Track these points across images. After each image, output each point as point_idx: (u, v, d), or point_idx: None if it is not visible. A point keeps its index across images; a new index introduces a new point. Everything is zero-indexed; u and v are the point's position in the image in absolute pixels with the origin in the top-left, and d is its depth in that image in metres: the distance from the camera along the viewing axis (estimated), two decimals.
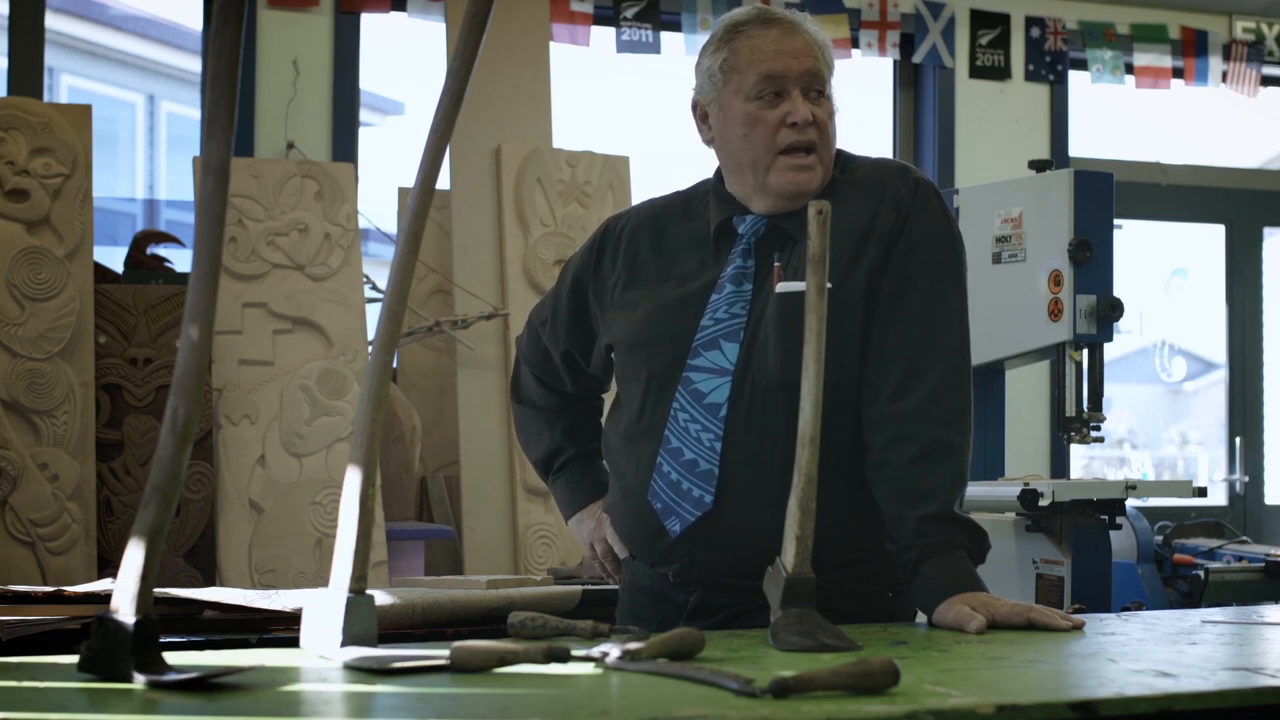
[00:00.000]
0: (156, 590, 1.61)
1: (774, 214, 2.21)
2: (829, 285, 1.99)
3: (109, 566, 3.67)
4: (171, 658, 1.56)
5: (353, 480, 1.74)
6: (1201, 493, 3.98)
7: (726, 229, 2.24)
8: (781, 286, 2.15)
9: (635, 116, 5.71)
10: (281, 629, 2.47)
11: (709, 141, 2.27)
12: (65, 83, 6.32)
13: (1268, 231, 6.30)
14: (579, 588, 2.92)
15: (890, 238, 2.17)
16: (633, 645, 1.66)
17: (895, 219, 2.17)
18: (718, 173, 2.30)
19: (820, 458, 1.85)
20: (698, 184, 2.35)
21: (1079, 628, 1.98)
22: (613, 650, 1.65)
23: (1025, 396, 5.25)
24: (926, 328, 2.16)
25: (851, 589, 2.14)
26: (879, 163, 2.29)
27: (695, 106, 2.28)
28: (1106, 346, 4.00)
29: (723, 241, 2.24)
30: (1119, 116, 6.14)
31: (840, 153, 2.28)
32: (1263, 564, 4.51)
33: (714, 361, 2.16)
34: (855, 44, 5.41)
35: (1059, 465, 5.49)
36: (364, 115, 5.00)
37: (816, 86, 2.18)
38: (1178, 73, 5.87)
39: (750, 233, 2.22)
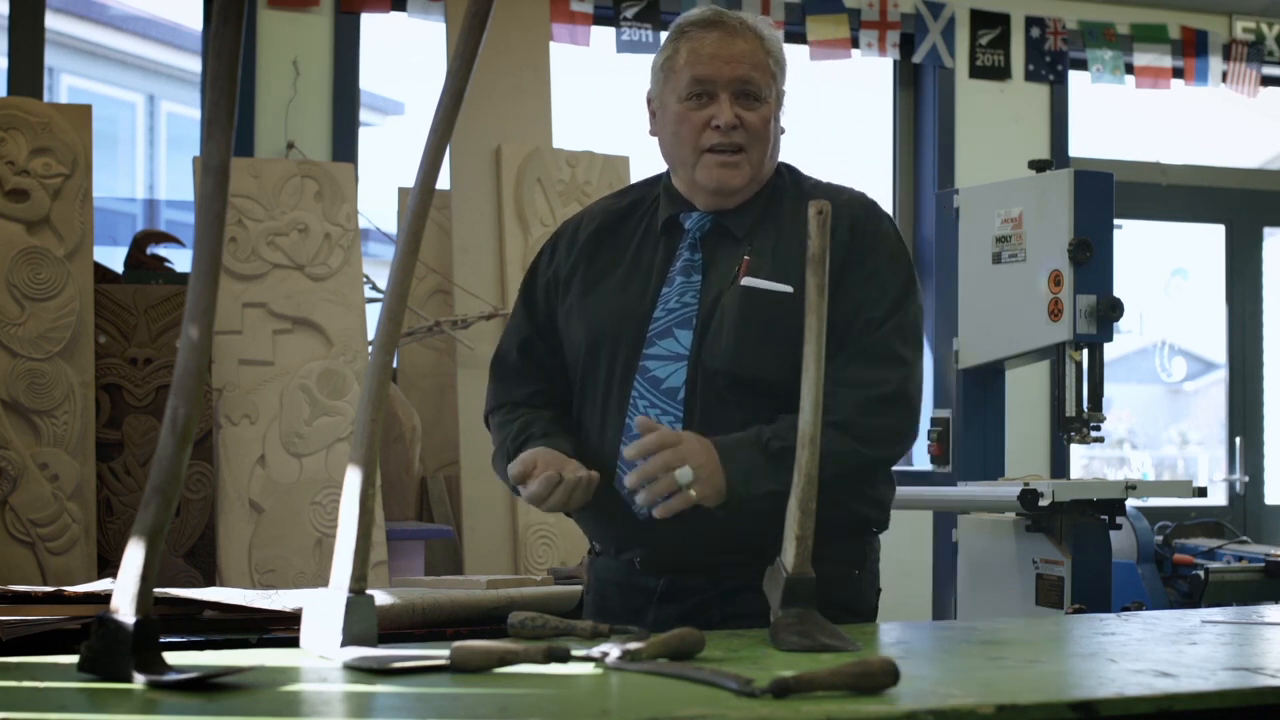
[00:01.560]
0: (156, 590, 1.61)
1: (717, 210, 2.29)
2: (789, 289, 2.15)
3: (109, 566, 3.67)
4: (171, 658, 1.56)
5: (353, 480, 1.74)
6: (1201, 493, 3.98)
7: (674, 224, 2.31)
8: (747, 281, 2.22)
9: (635, 116, 5.70)
10: (281, 629, 2.47)
11: (654, 134, 2.35)
12: (65, 83, 6.31)
13: (1268, 231, 6.30)
14: (579, 588, 2.92)
15: (841, 261, 2.19)
16: (633, 645, 1.66)
17: (848, 241, 2.22)
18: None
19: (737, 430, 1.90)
20: (650, 179, 2.42)
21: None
22: (613, 650, 1.65)
23: (1025, 396, 5.25)
24: (875, 329, 2.21)
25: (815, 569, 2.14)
26: (832, 185, 2.36)
27: (648, 101, 2.36)
28: (1106, 346, 4.00)
29: (672, 236, 2.31)
30: (1119, 116, 6.14)
31: (791, 168, 2.37)
32: (1263, 564, 4.51)
33: (668, 349, 2.22)
34: (855, 44, 5.40)
35: (1059, 465, 5.49)
36: (364, 115, 5.00)
37: (749, 91, 2.24)
38: (1178, 73, 5.87)
39: (696, 228, 2.29)
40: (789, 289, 2.18)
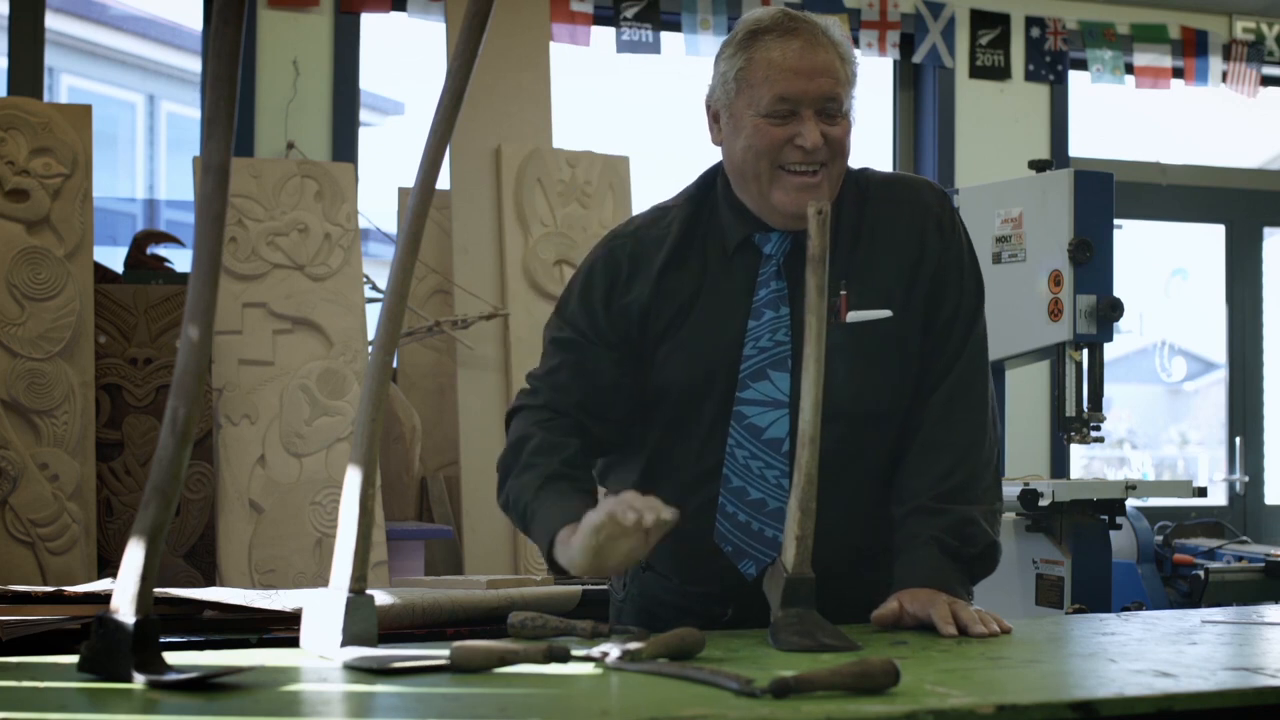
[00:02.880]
0: (156, 590, 1.61)
1: (796, 230, 2.13)
2: (889, 313, 2.09)
3: (109, 566, 3.67)
4: (171, 658, 1.56)
5: (353, 480, 1.74)
6: (1201, 493, 3.98)
7: (749, 247, 2.17)
8: (853, 316, 2.11)
9: (635, 116, 5.71)
10: (281, 629, 2.47)
11: (718, 143, 2.20)
12: (65, 83, 6.31)
13: (1268, 231, 6.30)
14: (579, 588, 2.93)
15: (938, 261, 2.19)
16: (633, 645, 1.66)
17: (940, 241, 2.19)
18: (724, 176, 2.21)
19: (863, 469, 1.92)
20: (703, 184, 2.24)
21: (987, 635, 1.95)
22: (613, 650, 1.65)
23: (1025, 396, 5.25)
24: (955, 344, 2.21)
25: (871, 578, 2.15)
26: (899, 177, 2.28)
27: (709, 106, 2.19)
28: (1106, 346, 4.00)
29: (749, 260, 2.16)
30: (1119, 116, 6.14)
31: (848, 167, 2.24)
32: (1263, 564, 4.51)
33: (765, 393, 2.11)
34: (855, 44, 5.40)
35: (1059, 465, 5.49)
36: (364, 115, 5.00)
37: (831, 107, 2.12)
38: (1178, 73, 5.87)
39: (779, 252, 2.15)
40: (888, 313, 2.12)
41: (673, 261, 2.17)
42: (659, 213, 2.24)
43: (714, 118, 2.19)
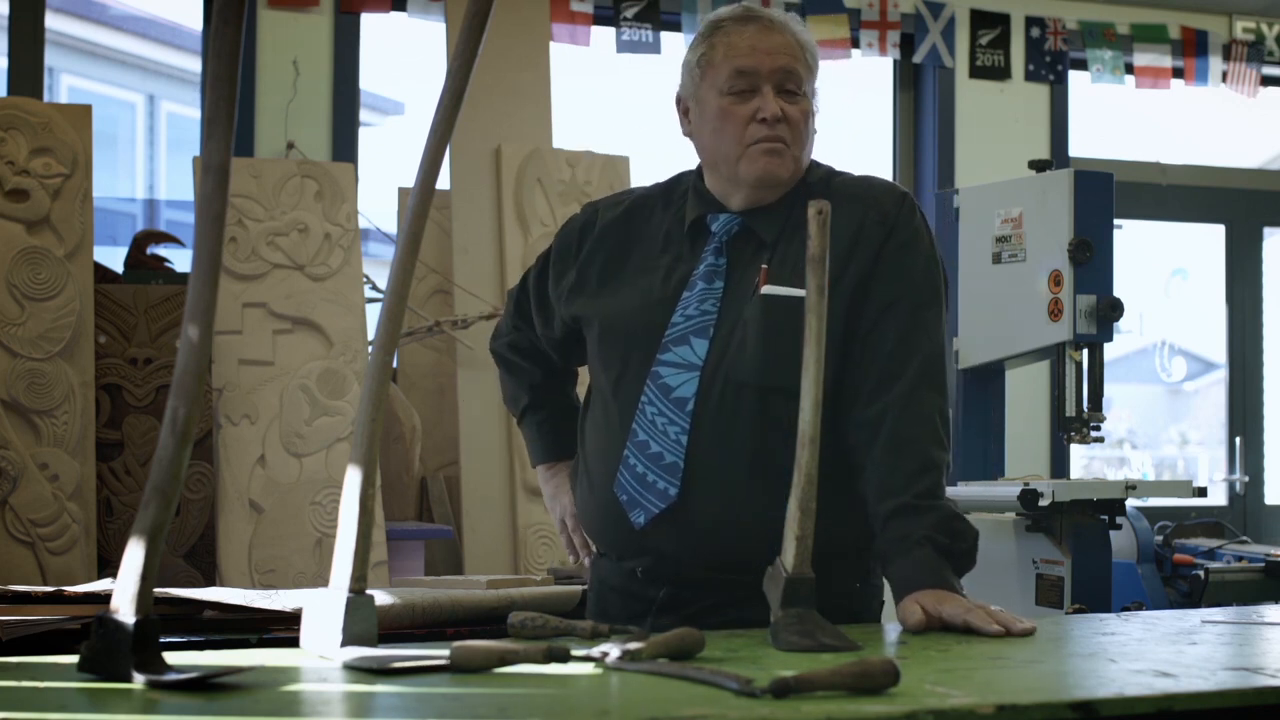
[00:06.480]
0: (156, 590, 1.61)
1: (747, 211, 2.24)
2: (804, 293, 2.05)
3: (109, 566, 3.67)
4: (171, 658, 1.56)
5: (353, 480, 1.74)
6: (1201, 493, 3.98)
7: (700, 225, 2.27)
8: (767, 289, 2.18)
9: (635, 116, 5.71)
10: (281, 629, 2.47)
11: (688, 134, 2.31)
12: (65, 83, 6.32)
13: (1268, 231, 6.30)
14: (579, 588, 2.92)
15: (875, 251, 2.19)
16: (633, 645, 1.66)
17: (880, 233, 2.20)
18: (700, 167, 2.33)
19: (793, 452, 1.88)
20: (680, 175, 2.37)
21: (1028, 633, 1.94)
22: (613, 650, 1.65)
23: (1025, 396, 5.25)
24: (904, 339, 2.18)
25: (822, 584, 2.13)
26: (865, 178, 2.33)
27: (679, 101, 2.31)
28: (1106, 346, 4.00)
29: (697, 238, 2.27)
30: (1119, 116, 6.14)
31: (822, 165, 2.32)
32: (1263, 564, 4.51)
33: (683, 357, 2.19)
34: (855, 44, 5.40)
35: (1059, 465, 5.49)
36: (364, 115, 5.00)
37: (790, 85, 2.20)
38: (1178, 73, 5.87)
39: (723, 231, 2.25)
40: (804, 293, 2.14)
41: (631, 218, 2.32)
42: (625, 191, 2.44)
43: (684, 111, 2.31)
